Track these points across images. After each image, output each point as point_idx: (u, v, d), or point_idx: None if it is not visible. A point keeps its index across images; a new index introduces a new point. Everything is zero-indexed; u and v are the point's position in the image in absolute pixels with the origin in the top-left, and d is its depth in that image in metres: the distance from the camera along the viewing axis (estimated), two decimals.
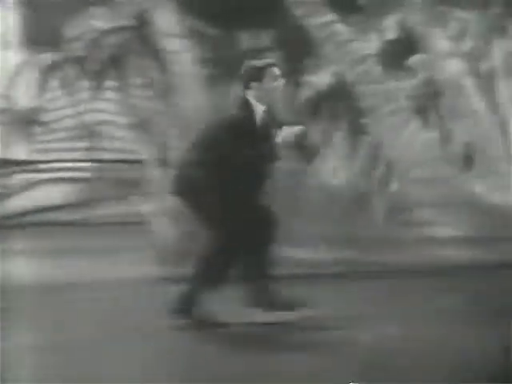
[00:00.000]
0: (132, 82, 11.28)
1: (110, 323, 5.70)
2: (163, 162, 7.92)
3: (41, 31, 11.97)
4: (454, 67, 9.59)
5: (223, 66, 8.39)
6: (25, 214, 11.44)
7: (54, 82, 12.47)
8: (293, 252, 7.40)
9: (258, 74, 5.54)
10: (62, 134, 12.44)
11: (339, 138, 8.35)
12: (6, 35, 13.15)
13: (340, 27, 9.04)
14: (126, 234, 8.95)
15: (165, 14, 8.64)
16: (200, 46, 8.59)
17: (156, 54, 8.91)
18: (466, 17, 10.52)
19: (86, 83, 12.27)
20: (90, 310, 6.26)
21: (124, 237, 8.99)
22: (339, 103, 8.59)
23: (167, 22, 8.71)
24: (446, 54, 9.66)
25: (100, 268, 7.97)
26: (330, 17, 8.91)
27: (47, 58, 12.43)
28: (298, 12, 8.73)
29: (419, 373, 4.37)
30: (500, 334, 4.82)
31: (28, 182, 12.16)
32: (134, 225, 8.30)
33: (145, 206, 7.98)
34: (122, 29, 10.79)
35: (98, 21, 11.38)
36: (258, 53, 7.83)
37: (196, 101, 8.31)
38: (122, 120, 11.81)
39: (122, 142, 11.60)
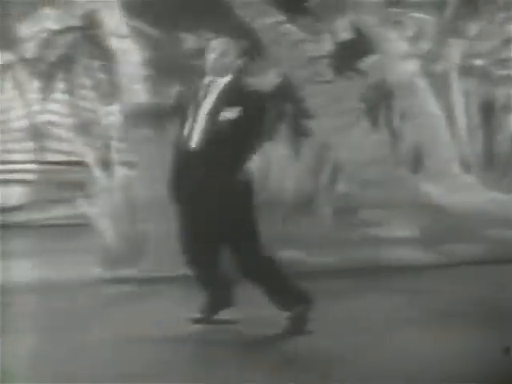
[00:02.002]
0: (80, 82, 11.26)
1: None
2: (106, 164, 7.92)
3: None
4: (407, 68, 9.62)
5: (166, 67, 8.39)
6: None
7: (7, 83, 12.38)
8: None
9: None
10: (13, 135, 12.39)
11: (283, 139, 8.34)
12: None
13: (289, 28, 9.05)
14: (71, 235, 8.92)
15: (112, 15, 8.63)
16: (144, 46, 8.57)
17: (104, 55, 8.93)
18: (422, 18, 10.57)
19: (36, 84, 12.19)
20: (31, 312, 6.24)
21: (69, 239, 8.96)
22: (284, 104, 8.59)
23: (114, 23, 8.70)
24: (400, 55, 9.70)
25: (45, 269, 7.92)
26: (277, 18, 8.93)
27: (0, 58, 12.33)
28: (244, 13, 8.74)
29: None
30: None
31: None
32: (79, 227, 8.26)
33: (89, 208, 7.95)
34: (71, 29, 10.81)
35: (49, 21, 11.31)
36: (201, 53, 7.83)
37: (141, 101, 8.29)
38: (69, 121, 11.77)
39: (69, 143, 11.55)
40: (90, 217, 7.81)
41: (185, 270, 5.77)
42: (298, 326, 5.29)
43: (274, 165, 8.17)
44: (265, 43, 8.74)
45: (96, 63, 9.42)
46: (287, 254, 7.63)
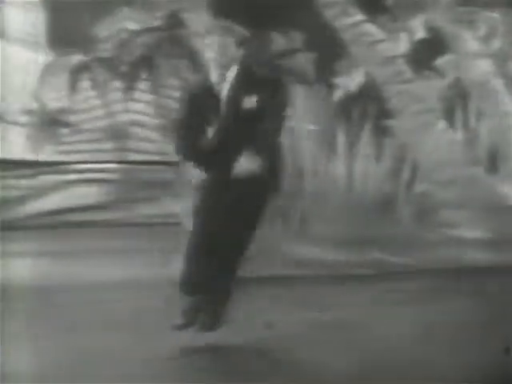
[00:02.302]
0: (164, 82, 11.27)
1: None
2: None
3: (70, 32, 11.93)
4: (482, 68, 9.58)
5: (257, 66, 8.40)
6: (53, 214, 11.43)
7: (85, 83, 12.45)
8: (317, 253, 7.47)
9: None
10: (91, 135, 12.43)
11: (366, 139, 8.34)
12: (34, 36, 13.21)
13: (369, 27, 9.06)
14: (156, 235, 8.94)
15: (198, 15, 8.64)
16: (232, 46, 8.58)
17: (189, 55, 8.95)
18: (495, 17, 10.50)
19: (117, 84, 12.22)
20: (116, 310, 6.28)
21: (153, 238, 8.99)
22: (368, 104, 8.58)
23: (200, 23, 8.70)
24: (473, 54, 9.66)
25: (130, 269, 7.96)
26: (358, 17, 8.94)
27: (76, 58, 12.41)
28: (328, 13, 8.75)
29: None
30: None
31: (55, 183, 12.15)
32: (164, 226, 8.29)
33: (176, 207, 7.98)
34: (152, 29, 10.85)
35: (129, 22, 11.38)
36: (289, 54, 7.90)
37: None
38: (154, 121, 11.78)
39: (153, 143, 11.56)
40: (179, 216, 7.82)
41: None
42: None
43: (357, 165, 8.19)
44: (346, 43, 8.77)
45: (182, 63, 9.44)
46: (371, 255, 7.71)
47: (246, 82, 5.13)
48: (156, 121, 11.58)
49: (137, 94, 11.96)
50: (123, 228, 10.38)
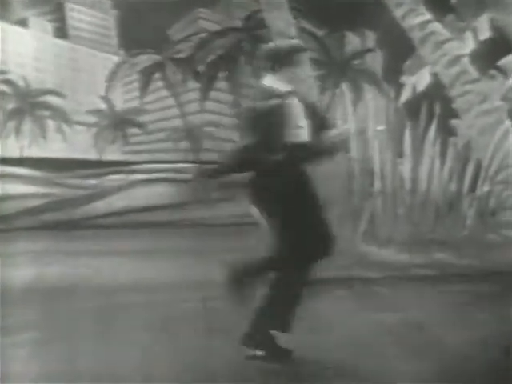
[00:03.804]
0: (244, 82, 11.28)
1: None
2: None
3: (142, 32, 11.99)
4: None
5: (332, 66, 8.41)
6: (121, 214, 11.49)
7: (156, 84, 12.50)
8: (384, 254, 7.47)
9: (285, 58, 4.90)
10: (161, 135, 12.48)
11: (432, 139, 8.31)
12: (105, 36, 13.33)
13: (436, 27, 9.01)
14: (235, 234, 8.88)
15: (279, 16, 8.66)
16: (311, 46, 8.59)
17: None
18: None
19: (192, 84, 12.26)
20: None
21: (232, 237, 8.94)
22: (435, 104, 8.53)
23: (281, 23, 8.72)
24: None
25: (202, 269, 7.96)
26: (426, 16, 8.90)
27: (148, 59, 12.48)
28: (398, 13, 8.73)
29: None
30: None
31: (123, 183, 12.19)
32: (244, 226, 8.28)
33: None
34: (232, 30, 10.90)
35: (207, 22, 11.44)
36: (362, 53, 7.93)
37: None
38: (229, 121, 11.80)
39: (229, 143, 11.57)
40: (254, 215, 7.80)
41: None
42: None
43: (423, 166, 8.17)
44: (416, 43, 8.75)
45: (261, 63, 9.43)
46: (437, 256, 7.69)
47: None
48: (233, 120, 11.62)
49: (213, 94, 12.02)
50: (195, 228, 10.38)
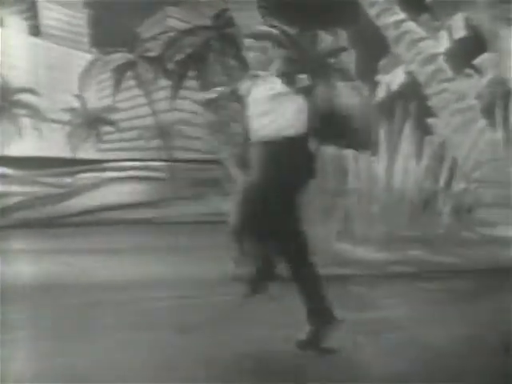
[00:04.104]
0: (214, 80, 11.28)
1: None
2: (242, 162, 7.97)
3: (114, 30, 11.96)
4: None
5: (303, 65, 8.41)
6: (93, 212, 11.48)
7: (128, 82, 12.48)
8: (360, 252, 7.49)
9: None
10: (134, 133, 12.46)
11: (407, 137, 8.34)
12: (75, 35, 13.29)
13: (411, 26, 9.05)
14: (203, 233, 8.87)
15: (246, 14, 8.68)
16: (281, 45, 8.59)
17: (238, 54, 8.99)
18: None
19: (163, 82, 12.25)
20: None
21: (200, 236, 8.93)
22: (410, 102, 8.57)
23: (249, 22, 8.73)
24: None
25: (177, 266, 7.96)
26: (401, 16, 8.94)
27: (120, 57, 12.45)
28: (372, 12, 8.76)
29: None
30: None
31: (96, 181, 12.18)
32: (211, 224, 8.24)
33: (224, 205, 7.98)
34: (201, 28, 10.90)
35: (176, 21, 11.43)
36: (336, 52, 7.96)
37: None
38: (200, 119, 11.80)
39: (200, 141, 11.56)
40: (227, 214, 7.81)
41: None
42: (314, 344, 4.74)
43: (398, 164, 8.20)
44: (390, 41, 8.78)
45: (232, 62, 9.47)
46: (413, 253, 7.72)
47: None
48: (203, 118, 11.62)
49: (184, 92, 12.03)
50: (169, 226, 10.35)
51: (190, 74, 11.74)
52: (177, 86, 11.91)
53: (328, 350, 4.60)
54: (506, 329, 5.06)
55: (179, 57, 11.60)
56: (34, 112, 13.61)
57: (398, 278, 7.33)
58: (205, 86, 11.35)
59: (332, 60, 9.40)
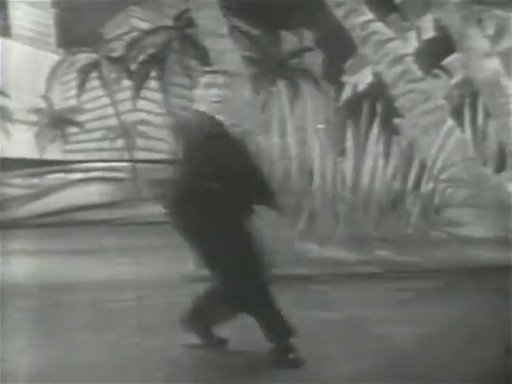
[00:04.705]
0: (175, 81, 11.29)
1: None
2: None
3: (78, 32, 11.93)
4: (491, 66, 9.59)
5: (268, 65, 8.40)
6: (60, 213, 11.47)
7: (93, 82, 12.45)
8: (324, 252, 7.48)
9: None
10: (98, 134, 12.44)
11: (374, 138, 8.36)
12: (43, 36, 13.23)
13: (378, 26, 9.07)
14: (164, 233, 8.85)
15: (209, 15, 8.66)
16: (244, 45, 8.60)
17: (200, 54, 8.98)
18: (503, 15, 10.50)
19: (126, 83, 12.24)
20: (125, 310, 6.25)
21: (161, 237, 8.91)
22: (377, 103, 8.58)
23: (211, 22, 8.72)
24: (482, 53, 9.66)
25: (137, 267, 7.95)
26: (368, 16, 8.95)
27: (85, 58, 12.42)
28: (338, 12, 8.76)
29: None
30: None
31: (62, 182, 12.17)
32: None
33: None
34: (163, 29, 10.90)
35: (138, 21, 11.42)
36: (300, 52, 7.95)
37: (242, 100, 8.35)
38: (163, 120, 11.81)
39: (162, 141, 11.55)
40: None
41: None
42: (281, 360, 4.62)
43: (365, 164, 8.21)
44: (356, 42, 8.78)
45: (193, 62, 9.46)
46: (380, 253, 7.73)
47: None
48: (165, 119, 11.63)
49: (146, 93, 12.02)
50: (131, 226, 10.34)
51: (152, 74, 11.72)
52: (138, 87, 11.89)
53: (297, 361, 4.53)
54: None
55: (142, 57, 11.57)
56: (3, 113, 13.56)
57: (364, 277, 7.34)
58: (165, 87, 11.35)
59: (295, 60, 9.40)
